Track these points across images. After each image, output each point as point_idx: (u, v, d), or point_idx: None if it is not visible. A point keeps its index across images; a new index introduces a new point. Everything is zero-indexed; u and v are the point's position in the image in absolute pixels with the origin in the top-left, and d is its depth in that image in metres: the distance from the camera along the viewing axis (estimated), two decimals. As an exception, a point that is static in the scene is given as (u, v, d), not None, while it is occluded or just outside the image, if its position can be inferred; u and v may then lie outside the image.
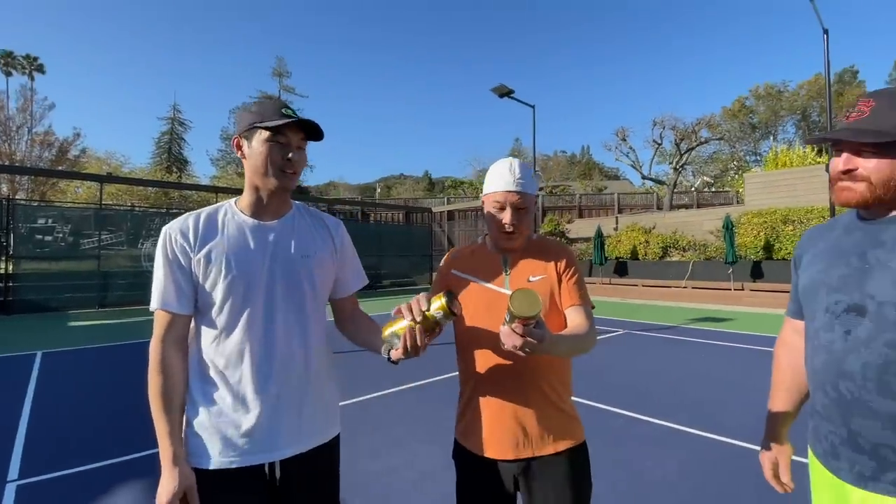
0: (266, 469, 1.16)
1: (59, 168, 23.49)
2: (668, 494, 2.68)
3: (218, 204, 1.25)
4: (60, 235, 11.62)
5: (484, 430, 1.31)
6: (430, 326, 1.11)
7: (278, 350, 1.17)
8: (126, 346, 6.92)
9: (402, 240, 19.91)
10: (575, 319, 1.30)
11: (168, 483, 1.08)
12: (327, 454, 1.27)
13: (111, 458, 3.16)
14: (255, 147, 1.16)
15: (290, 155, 1.17)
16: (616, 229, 16.72)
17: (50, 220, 11.67)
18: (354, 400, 4.41)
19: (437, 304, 1.09)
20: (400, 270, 19.31)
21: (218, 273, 1.14)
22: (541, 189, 19.42)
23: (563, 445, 1.31)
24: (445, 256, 1.49)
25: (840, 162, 1.01)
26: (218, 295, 1.14)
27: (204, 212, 1.22)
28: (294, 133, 1.18)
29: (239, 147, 1.21)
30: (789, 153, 18.52)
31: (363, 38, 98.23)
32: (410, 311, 1.10)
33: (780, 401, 1.28)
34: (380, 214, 25.52)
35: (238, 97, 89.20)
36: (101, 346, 6.97)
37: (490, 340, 1.26)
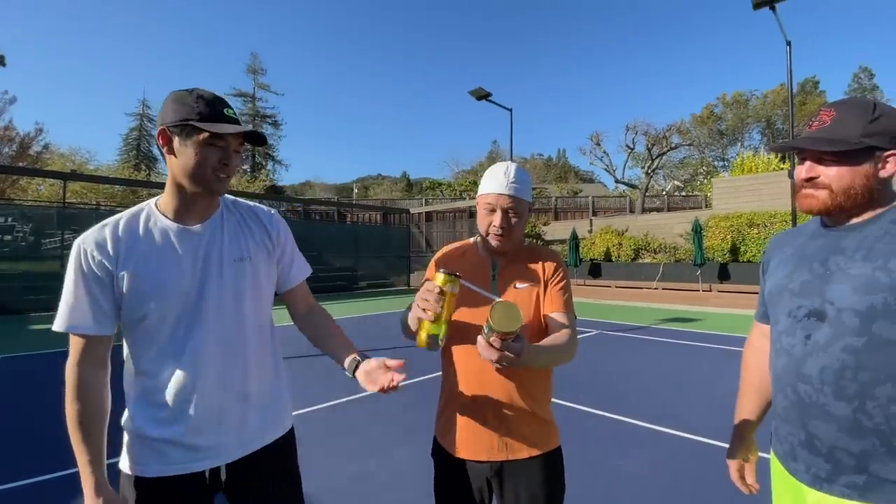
0: (207, 475, 1.12)
1: (20, 164, 22.44)
2: (640, 492, 2.76)
3: (137, 207, 1.14)
4: (21, 235, 11.12)
5: (459, 430, 1.33)
6: (453, 305, 1.14)
7: (217, 359, 1.12)
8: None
9: (379, 241, 19.80)
10: (556, 328, 1.30)
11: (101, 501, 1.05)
12: (277, 453, 1.23)
13: (69, 469, 3.04)
14: (189, 147, 1.05)
15: (227, 160, 1.08)
16: (590, 231, 17.04)
17: (10, 219, 11.15)
18: (329, 403, 4.37)
19: (440, 279, 1.13)
20: (377, 272, 19.19)
21: (144, 285, 1.06)
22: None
23: (536, 451, 1.31)
24: (437, 256, 1.49)
25: (802, 170, 1.03)
26: (146, 308, 1.06)
27: (122, 218, 1.11)
28: (234, 137, 1.08)
29: (166, 141, 1.07)
30: (755, 159, 19.29)
31: (341, 37, 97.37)
32: (429, 310, 1.13)
33: (747, 404, 1.30)
34: (357, 215, 25.31)
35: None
36: (64, 350, 6.69)
37: (471, 342, 1.24)
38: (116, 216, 1.12)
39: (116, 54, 73.60)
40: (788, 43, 10.62)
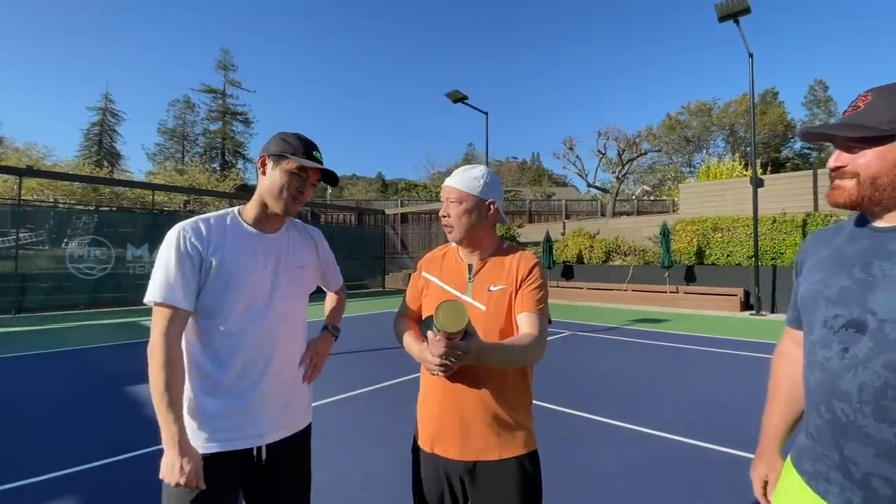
0: (254, 452, 1.31)
1: (-31, 158, 21.17)
2: (609, 490, 2.83)
3: (223, 211, 1.37)
4: (-30, 233, 10.49)
5: (433, 428, 1.37)
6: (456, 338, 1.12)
7: (276, 351, 1.33)
8: (46, 356, 6.36)
9: (353, 242, 19.58)
10: (523, 328, 1.30)
11: (183, 463, 1.17)
12: (305, 438, 1.45)
13: (14, 482, 2.90)
14: (279, 172, 1.30)
15: (304, 189, 1.34)
16: (563, 234, 17.34)
17: (-43, 217, 10.49)
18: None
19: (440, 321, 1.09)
20: (351, 273, 18.97)
21: (226, 277, 1.26)
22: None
23: (509, 453, 1.31)
24: (422, 261, 1.56)
25: (832, 159, 0.96)
26: (224, 297, 1.26)
27: (213, 217, 1.33)
28: (314, 173, 1.35)
29: (263, 164, 1.34)
30: (719, 166, 20.04)
31: (315, 35, 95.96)
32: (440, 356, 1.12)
33: (775, 415, 1.21)
34: (331, 215, 24.97)
35: (178, 89, 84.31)
36: (18, 355, 6.36)
37: None
38: (206, 215, 1.34)
39: (76, 45, 70.50)
40: (751, 55, 11.09)
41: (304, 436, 1.44)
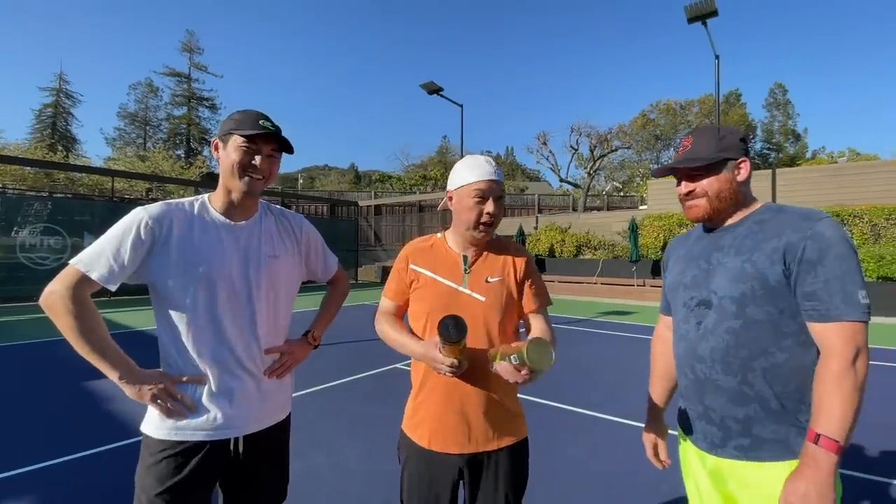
0: (231, 444, 1.27)
1: None
2: (581, 476, 2.90)
3: (191, 198, 1.32)
4: None
5: (431, 424, 1.34)
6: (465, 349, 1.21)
7: (253, 342, 1.29)
8: (-4, 349, 6.03)
9: (325, 233, 18.64)
10: (538, 326, 1.37)
11: (144, 391, 1.16)
12: (283, 430, 1.42)
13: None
14: (229, 151, 1.26)
15: (255, 160, 1.27)
16: (536, 228, 17.57)
17: None
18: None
19: (454, 353, 1.19)
20: (323, 265, 18.71)
21: (190, 267, 1.21)
22: (466, 187, 19.88)
23: (506, 441, 1.35)
24: (404, 251, 1.47)
25: (682, 187, 1.24)
26: (190, 288, 1.21)
27: (179, 203, 1.29)
28: (265, 143, 1.28)
29: (217, 149, 1.30)
30: (685, 164, 20.65)
31: (287, 23, 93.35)
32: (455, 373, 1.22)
33: (656, 388, 1.46)
34: (302, 206, 24.49)
35: (140, 72, 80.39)
36: (-37, 349, 6.00)
37: None
38: (174, 200, 1.29)
39: (27, 21, 66.13)
40: (717, 57, 11.46)
41: (282, 428, 1.41)
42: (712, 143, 1.19)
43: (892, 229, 10.93)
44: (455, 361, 1.17)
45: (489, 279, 1.36)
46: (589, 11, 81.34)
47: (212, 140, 1.33)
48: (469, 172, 1.33)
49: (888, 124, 64.87)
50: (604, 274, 14.24)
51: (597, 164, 29.84)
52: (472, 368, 1.27)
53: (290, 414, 1.46)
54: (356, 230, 20.89)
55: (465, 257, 1.39)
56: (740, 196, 1.20)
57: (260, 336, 1.31)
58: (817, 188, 12.86)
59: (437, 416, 1.34)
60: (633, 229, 13.23)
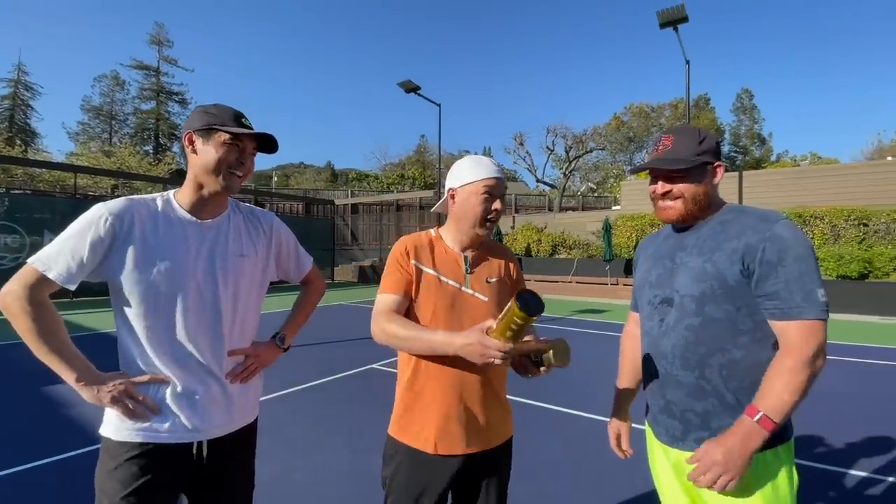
0: (195, 448, 1.22)
1: None
2: (554, 472, 2.94)
3: (156, 195, 1.26)
4: None
5: (438, 425, 1.28)
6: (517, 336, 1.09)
7: (219, 344, 1.24)
8: (-53, 354, 5.70)
9: (301, 232, 18.33)
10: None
11: (103, 394, 1.11)
12: (250, 434, 1.37)
13: (-74, 491, 2.59)
14: (212, 147, 1.20)
15: (243, 159, 1.24)
16: (513, 228, 17.73)
17: None
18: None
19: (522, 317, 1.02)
20: (298, 265, 18.41)
21: (152, 266, 1.16)
22: (445, 187, 19.86)
23: (502, 438, 1.37)
24: (401, 244, 1.39)
25: (658, 187, 1.23)
26: (153, 287, 1.16)
27: (143, 199, 1.22)
28: (249, 141, 1.25)
29: (191, 142, 1.22)
30: (657, 165, 21.21)
31: (263, 15, 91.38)
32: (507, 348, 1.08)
33: (623, 381, 1.50)
34: (276, 204, 24.03)
35: (105, 64, 77.36)
36: (-90, 354, 5.65)
37: None
38: (137, 196, 1.23)
39: (-18, 7, 62.63)
40: (687, 62, 11.78)
41: (248, 433, 1.36)
42: (693, 145, 1.19)
43: (851, 230, 11.47)
44: (512, 346, 1.07)
45: (489, 280, 1.38)
46: (564, 14, 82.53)
47: (183, 132, 1.25)
48: (477, 169, 1.35)
49: (847, 129, 68.15)
50: (578, 273, 14.47)
51: (572, 165, 30.33)
52: (476, 367, 1.24)
53: (257, 418, 1.41)
54: (332, 229, 20.62)
55: (465, 257, 1.38)
56: (712, 199, 1.23)
57: (225, 338, 1.25)
58: (781, 190, 13.39)
59: (444, 417, 1.28)
60: (607, 229, 13.49)
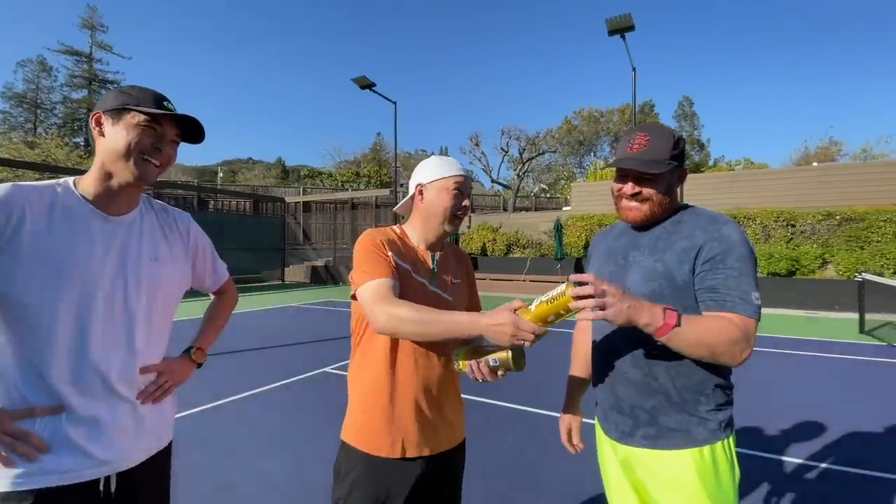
0: (101, 484, 1.06)
1: None
2: (507, 469, 2.94)
3: (52, 181, 1.07)
4: None
5: (405, 427, 1.24)
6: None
7: (114, 359, 1.06)
8: None
9: (249, 231, 18.18)
10: None
11: None
12: (164, 459, 1.22)
13: None
14: (123, 129, 1.03)
15: (160, 145, 1.07)
16: (469, 227, 17.83)
17: None
18: (186, 412, 3.87)
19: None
20: (245, 266, 17.63)
21: (45, 265, 0.98)
22: (402, 186, 19.64)
23: (461, 437, 1.38)
24: (373, 236, 1.31)
25: (628, 187, 1.20)
26: (46, 292, 0.97)
27: (35, 188, 1.02)
28: (170, 126, 1.09)
29: (99, 124, 1.05)
30: (605, 169, 22.04)
31: (211, 8, 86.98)
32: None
33: (575, 375, 1.52)
34: (221, 202, 22.92)
35: (31, 49, 71.03)
36: None
37: (422, 342, 1.26)
38: (30, 183, 1.04)
39: None
40: (634, 69, 12.29)
41: (163, 458, 1.21)
42: (668, 147, 1.17)
43: (780, 230, 12.38)
44: (544, 329, 1.02)
45: (454, 280, 1.39)
46: (520, 21, 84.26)
47: (92, 113, 1.06)
48: (447, 167, 1.36)
49: (777, 137, 73.85)
50: (531, 271, 14.76)
51: (526, 167, 30.97)
52: (444, 362, 1.29)
53: (171, 442, 1.25)
54: (283, 228, 19.93)
55: (433, 256, 1.38)
56: (673, 201, 1.24)
57: (138, 354, 1.10)
58: (718, 193, 14.25)
59: (413, 417, 1.25)
60: (558, 229, 13.86)
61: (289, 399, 4.33)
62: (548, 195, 34.92)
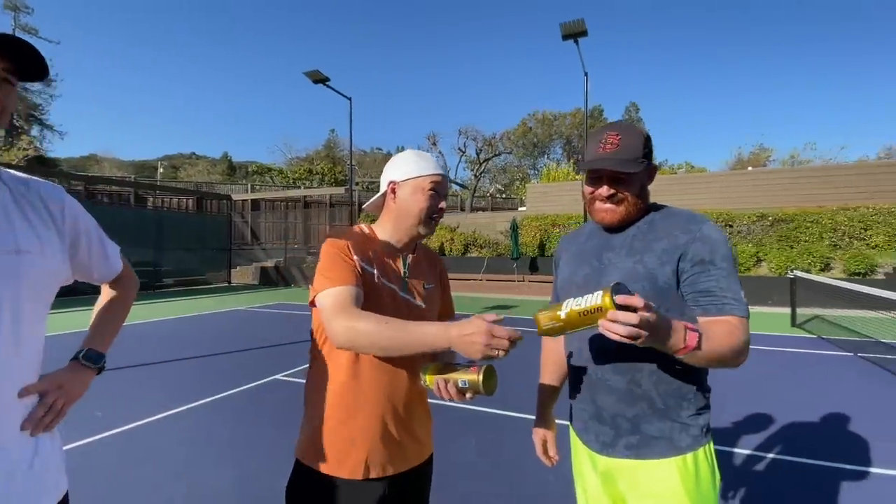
0: None
1: None
2: (469, 471, 2.86)
3: None
4: None
5: (369, 446, 1.13)
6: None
7: None
8: None
9: (191, 230, 17.16)
10: None
11: None
12: None
13: None
14: None
15: None
16: (425, 227, 17.81)
17: None
18: (122, 428, 3.51)
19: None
20: (188, 266, 16.63)
21: None
22: (357, 184, 19.19)
23: (429, 451, 1.30)
24: (339, 237, 1.20)
25: (604, 190, 1.15)
26: None
27: None
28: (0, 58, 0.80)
29: None
30: (558, 170, 22.66)
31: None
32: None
33: (545, 384, 1.44)
34: (161, 199, 21.52)
35: (-66, 24, 63.93)
36: None
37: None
38: None
39: None
40: (586, 74, 12.63)
41: None
42: (639, 146, 1.14)
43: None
44: (520, 336, 0.97)
45: (426, 286, 1.29)
46: (476, 21, 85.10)
47: None
48: (424, 164, 1.24)
49: (714, 142, 78.83)
50: (489, 271, 14.89)
51: (483, 167, 31.28)
52: (410, 373, 1.19)
53: (67, 492, 0.98)
54: (229, 227, 18.99)
55: (404, 259, 1.27)
56: (646, 201, 1.21)
57: (6, 373, 0.84)
58: (661, 196, 14.44)
59: (378, 434, 1.15)
60: (514, 229, 14.05)
61: (237, 409, 4.04)
62: (504, 195, 35.45)
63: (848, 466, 2.91)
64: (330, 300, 1.08)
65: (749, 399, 4.22)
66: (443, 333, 0.98)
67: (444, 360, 1.15)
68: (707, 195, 14.40)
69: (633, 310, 0.87)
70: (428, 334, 1.00)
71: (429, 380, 1.10)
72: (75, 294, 5.01)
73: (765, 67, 72.06)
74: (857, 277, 10.32)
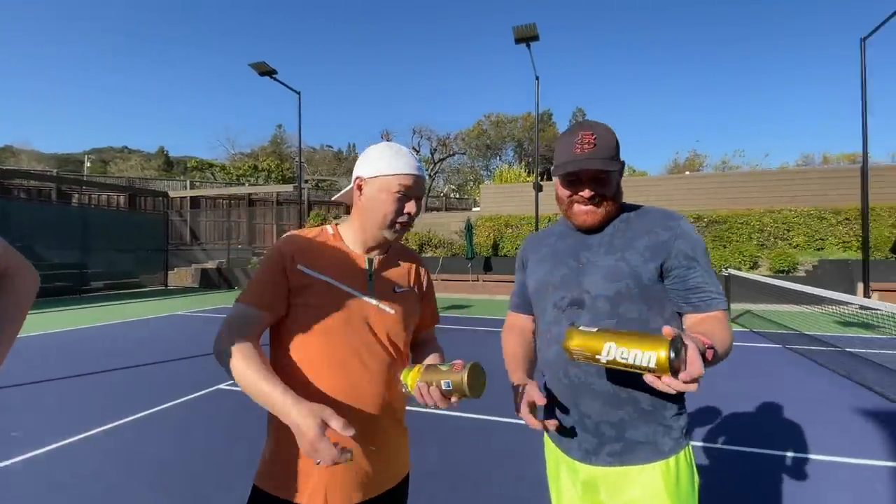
0: None
1: None
2: (431, 479, 2.77)
3: None
4: None
5: (330, 471, 1.01)
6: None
7: None
8: None
9: (123, 230, 15.89)
10: (432, 341, 1.33)
11: None
12: None
13: None
14: None
15: None
16: (378, 227, 17.53)
17: None
18: (39, 451, 3.12)
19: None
20: (119, 268, 15.39)
21: None
22: (306, 182, 18.53)
23: (404, 472, 1.21)
24: (286, 243, 1.12)
25: (586, 192, 1.12)
26: None
27: None
28: None
29: None
30: (510, 172, 23.06)
31: (66, -36, 74.93)
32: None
33: (520, 370, 1.29)
34: (89, 195, 19.80)
35: None
36: None
37: (347, 360, 1.03)
38: None
39: None
40: (537, 78, 12.90)
41: None
42: (614, 144, 1.12)
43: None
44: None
45: (396, 289, 1.17)
46: (433, 22, 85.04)
47: None
48: (395, 161, 1.12)
49: (654, 147, 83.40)
50: (443, 270, 14.87)
51: (437, 167, 31.27)
52: (384, 388, 1.10)
53: None
54: (166, 226, 17.78)
55: (370, 260, 1.15)
56: (621, 199, 1.21)
57: None
58: None
59: (356, 462, 1.05)
60: (469, 229, 14.12)
61: (175, 424, 3.72)
62: (458, 196, 35.63)
63: (786, 454, 3.10)
64: (231, 315, 1.06)
65: (689, 392, 4.42)
66: (282, 408, 0.89)
67: (425, 363, 1.08)
68: (647, 198, 15.15)
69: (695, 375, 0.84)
70: (275, 404, 0.91)
71: (410, 384, 1.02)
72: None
73: (699, 75, 77.18)
74: (781, 274, 11.21)
